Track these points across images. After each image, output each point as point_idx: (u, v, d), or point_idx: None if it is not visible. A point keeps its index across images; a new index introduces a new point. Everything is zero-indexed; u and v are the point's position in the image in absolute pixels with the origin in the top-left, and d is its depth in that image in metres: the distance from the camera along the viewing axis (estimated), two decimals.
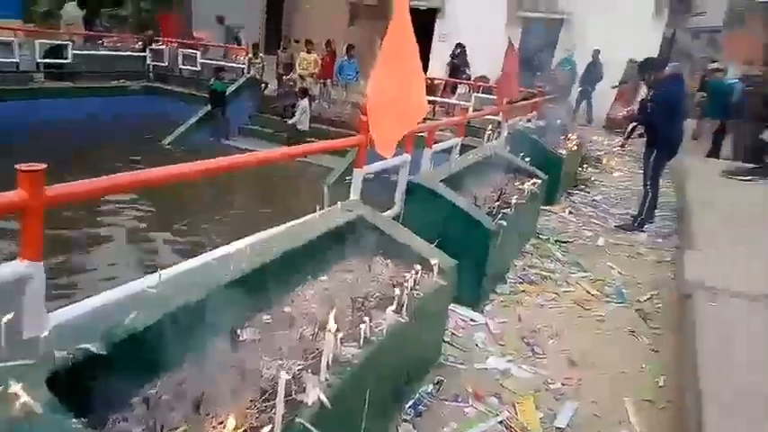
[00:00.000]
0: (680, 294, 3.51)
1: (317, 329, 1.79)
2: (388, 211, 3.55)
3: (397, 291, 1.98)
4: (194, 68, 12.61)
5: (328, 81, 12.37)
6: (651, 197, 5.47)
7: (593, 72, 12.57)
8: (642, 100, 6.92)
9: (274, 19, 18.17)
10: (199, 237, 6.36)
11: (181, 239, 6.35)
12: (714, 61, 17.84)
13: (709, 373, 2.35)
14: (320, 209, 2.63)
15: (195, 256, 2.03)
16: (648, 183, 5.40)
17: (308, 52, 12.17)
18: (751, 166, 6.77)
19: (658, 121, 5.09)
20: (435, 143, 4.19)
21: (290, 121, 10.84)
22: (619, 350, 3.17)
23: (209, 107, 11.01)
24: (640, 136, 7.10)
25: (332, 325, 1.44)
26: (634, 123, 6.61)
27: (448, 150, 4.71)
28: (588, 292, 3.96)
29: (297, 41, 14.53)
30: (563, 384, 2.76)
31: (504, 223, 3.49)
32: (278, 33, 17.26)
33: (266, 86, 12.60)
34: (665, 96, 5.04)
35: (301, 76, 11.96)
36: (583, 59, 12.84)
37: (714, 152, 8.75)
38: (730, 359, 2.51)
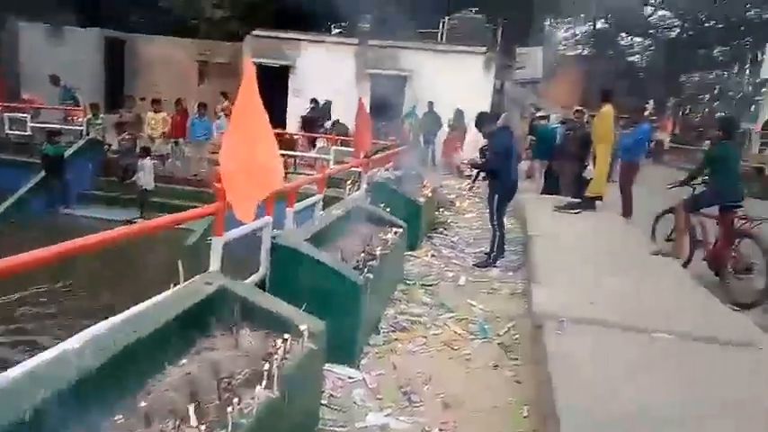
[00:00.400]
0: (533, 325, 3.83)
1: (178, 424, 1.66)
2: (253, 276, 3.45)
3: (266, 364, 1.92)
4: (24, 133, 11.44)
5: (180, 140, 11.96)
6: (499, 235, 5.98)
7: (431, 121, 13.62)
8: (481, 148, 7.62)
9: (116, 77, 17.21)
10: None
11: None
12: (539, 108, 20.30)
13: (564, 399, 2.57)
14: (174, 285, 2.48)
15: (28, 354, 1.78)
16: (495, 222, 5.91)
17: (156, 111, 11.70)
18: (576, 200, 7.71)
19: (495, 169, 5.68)
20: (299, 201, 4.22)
21: (128, 181, 10.29)
22: (487, 386, 3.35)
23: (43, 174, 10.00)
24: (484, 179, 7.79)
25: (193, 421, 1.35)
26: (476, 169, 7.24)
27: (312, 207, 4.74)
28: (455, 332, 4.16)
29: (143, 99, 13.90)
30: (440, 430, 2.83)
31: (372, 275, 3.57)
32: (120, 92, 16.36)
33: (110, 148, 11.80)
34: (498, 146, 5.66)
35: (150, 137, 11.43)
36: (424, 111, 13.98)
37: (546, 189, 9.83)
38: (581, 383, 2.76)
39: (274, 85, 15.23)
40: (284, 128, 14.22)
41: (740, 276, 5.29)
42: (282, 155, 10.60)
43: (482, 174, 7.74)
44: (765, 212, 6.55)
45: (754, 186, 12.81)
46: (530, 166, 10.83)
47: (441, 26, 16.63)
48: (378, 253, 3.94)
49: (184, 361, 2.11)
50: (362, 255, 3.87)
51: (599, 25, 41.99)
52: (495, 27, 16.96)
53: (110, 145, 11.85)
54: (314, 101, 13.44)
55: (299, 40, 15.59)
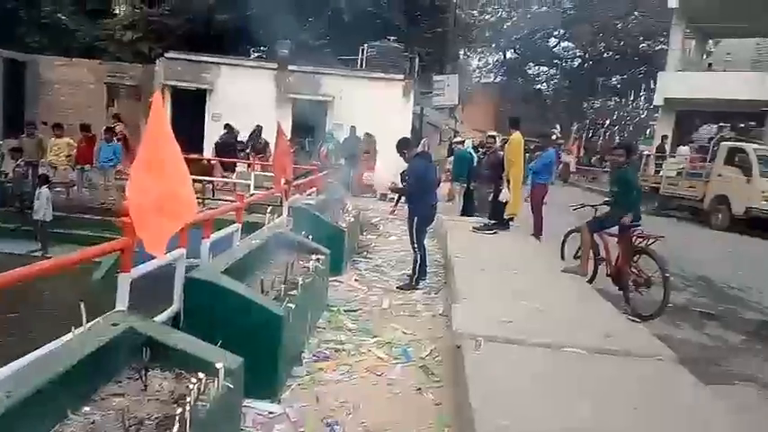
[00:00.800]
0: (453, 346, 3.92)
1: None
2: (165, 312, 3.31)
3: (178, 408, 1.84)
4: None
5: (86, 166, 11.26)
6: (420, 257, 6.10)
7: (353, 146, 13.73)
8: (402, 173, 7.78)
9: (15, 100, 16.04)
10: None
11: None
12: (457, 132, 21.03)
13: (482, 419, 2.64)
14: (78, 327, 2.33)
15: None
16: (416, 245, 6.03)
17: (59, 136, 11.02)
18: (492, 221, 8.04)
19: (415, 193, 5.83)
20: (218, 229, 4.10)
21: (27, 212, 9.59)
22: (409, 410, 3.37)
23: None
24: (405, 202, 7.94)
25: None
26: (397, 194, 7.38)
27: (230, 236, 4.63)
28: (379, 358, 4.16)
29: (45, 124, 13.05)
30: None
31: (293, 305, 3.52)
32: (20, 116, 15.24)
33: (7, 176, 10.94)
34: (418, 172, 5.81)
35: (52, 164, 10.71)
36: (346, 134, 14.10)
37: (465, 211, 10.17)
38: (497, 402, 2.85)
39: (191, 109, 14.85)
40: (202, 153, 13.83)
41: (640, 290, 5.70)
42: (199, 181, 10.43)
43: (403, 197, 7.92)
44: (661, 229, 7.15)
45: (650, 204, 13.95)
46: (449, 189, 11.18)
47: (360, 53, 16.94)
48: (300, 281, 3.90)
49: (87, 409, 1.97)
50: (283, 284, 3.81)
51: (509, 55, 44.49)
52: (413, 56, 17.51)
53: (6, 173, 10.99)
54: (227, 126, 13.15)
55: (217, 63, 15.31)
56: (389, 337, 4.56)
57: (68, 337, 2.24)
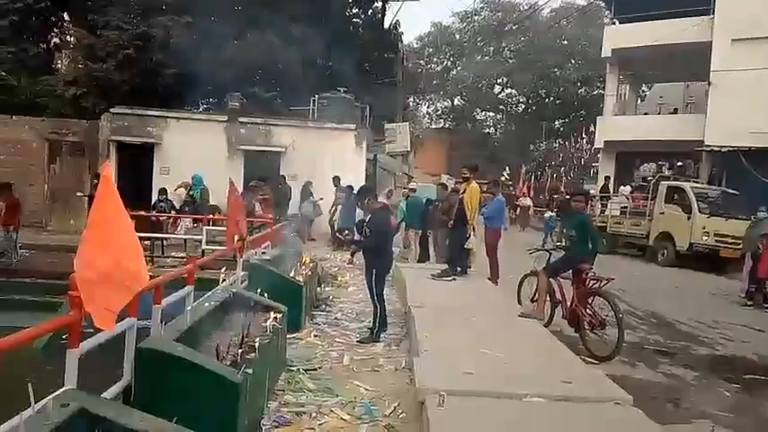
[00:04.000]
0: (416, 401, 3.87)
1: None
2: (116, 386, 3.14)
3: None
4: None
5: (11, 227, 10.68)
6: (380, 309, 6.05)
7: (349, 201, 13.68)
8: (359, 223, 7.80)
9: None
10: None
11: None
12: (411, 178, 21.37)
13: None
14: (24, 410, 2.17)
15: None
16: (375, 297, 5.99)
17: None
18: (449, 267, 8.11)
19: (374, 245, 5.83)
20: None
21: None
22: None
23: None
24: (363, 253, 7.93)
25: None
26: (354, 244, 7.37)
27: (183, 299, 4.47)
28: (342, 419, 4.05)
29: None
30: None
31: (251, 370, 3.40)
32: None
33: None
34: (379, 226, 5.84)
35: None
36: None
37: (421, 258, 10.25)
38: None
39: (138, 163, 14.56)
40: (149, 208, 13.48)
41: (596, 332, 5.83)
42: (147, 238, 10.12)
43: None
44: (611, 266, 7.41)
45: (600, 243, 14.45)
46: (405, 236, 11.25)
47: (312, 104, 17.20)
48: (257, 344, 3.78)
49: None
50: (240, 348, 3.69)
51: (456, 101, 46.18)
52: (364, 105, 17.91)
53: None
54: (162, 191, 12.91)
55: (164, 117, 15.18)
56: (352, 395, 4.45)
57: (15, 421, 2.08)
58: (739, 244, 11.96)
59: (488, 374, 4.12)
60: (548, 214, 17.56)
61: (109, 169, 2.62)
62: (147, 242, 10.38)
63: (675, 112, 22.70)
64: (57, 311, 6.21)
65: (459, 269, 8.04)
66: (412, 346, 5.27)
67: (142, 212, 10.57)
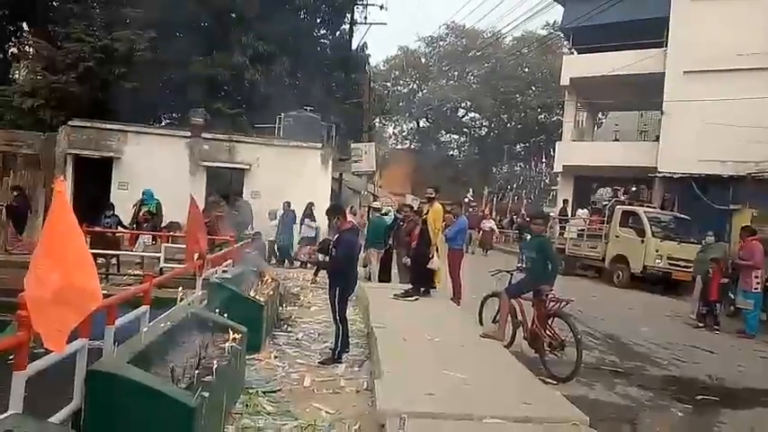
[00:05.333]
0: (377, 424, 3.84)
1: None
2: (65, 410, 3.00)
3: None
4: None
5: None
6: (342, 330, 5.99)
7: (289, 221, 13.53)
8: (323, 242, 7.76)
9: None
10: None
11: None
12: (376, 197, 21.39)
13: None
14: None
15: None
16: (338, 317, 5.94)
17: None
18: (412, 287, 8.14)
19: (340, 265, 5.80)
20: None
21: None
22: None
23: None
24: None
25: None
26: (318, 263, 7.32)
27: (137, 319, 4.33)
28: None
29: None
30: None
31: (207, 393, 3.31)
32: None
33: None
34: (346, 248, 5.81)
35: None
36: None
37: (383, 277, 10.24)
38: None
39: (96, 178, 14.16)
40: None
41: (555, 353, 5.92)
42: (103, 255, 9.80)
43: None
44: (569, 288, 7.55)
45: (559, 265, 14.76)
46: (366, 255, 11.20)
47: (277, 122, 17.13)
48: (214, 366, 3.69)
49: None
50: (196, 370, 3.59)
51: (422, 123, 46.89)
52: (330, 125, 17.96)
53: None
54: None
55: (124, 131, 14.85)
56: (312, 418, 4.37)
57: None
58: (690, 267, 12.43)
59: (449, 396, 4.13)
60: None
61: (63, 184, 2.54)
62: (102, 259, 10.06)
63: (633, 138, 23.63)
64: (3, 331, 5.94)
65: (422, 289, 8.07)
66: (374, 368, 5.24)
67: (98, 228, 10.23)
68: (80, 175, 14.25)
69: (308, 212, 13.53)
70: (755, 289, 9.04)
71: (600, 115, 29.97)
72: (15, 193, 12.38)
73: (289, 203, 13.50)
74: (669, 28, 18.43)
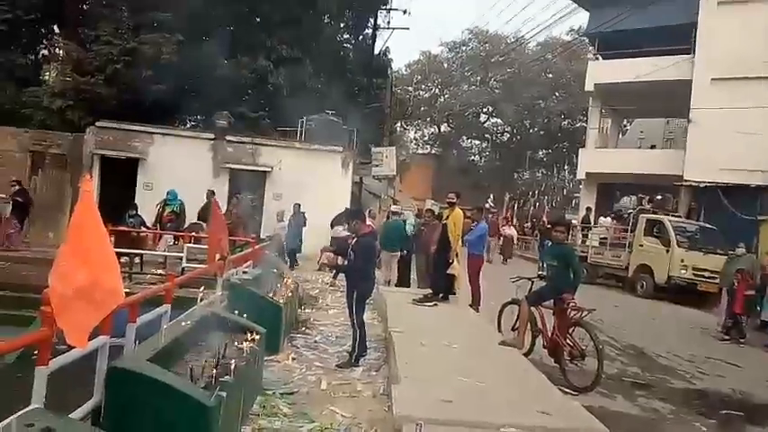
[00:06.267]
0: (393, 430, 3.81)
1: None
2: (85, 406, 3.05)
3: None
4: None
5: None
6: (360, 333, 5.98)
7: (299, 223, 13.40)
8: (338, 241, 7.74)
9: None
10: None
11: None
12: (396, 201, 21.37)
13: None
14: None
15: None
16: (355, 321, 5.94)
17: None
18: (433, 293, 8.09)
19: (358, 269, 5.80)
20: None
21: None
22: None
23: None
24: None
25: None
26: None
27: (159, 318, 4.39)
28: None
29: None
30: None
31: (225, 393, 3.33)
32: None
33: None
34: (365, 251, 5.82)
35: None
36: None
37: (402, 281, 10.19)
38: None
39: (122, 178, 14.43)
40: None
41: (576, 362, 5.83)
42: (127, 254, 9.96)
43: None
44: (591, 297, 7.44)
45: (581, 273, 14.55)
46: (382, 258, 11.14)
47: (299, 126, 17.27)
48: (233, 366, 3.71)
49: None
50: (215, 370, 3.62)
51: (443, 128, 46.77)
52: (351, 129, 18.03)
53: None
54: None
55: (150, 132, 15.12)
56: (328, 421, 4.37)
57: None
58: (716, 278, 12.14)
59: (466, 403, 4.09)
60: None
61: (89, 183, 2.59)
62: (125, 258, 10.22)
63: (654, 147, 23.25)
64: (29, 326, 6.06)
65: (441, 295, 8.02)
66: (391, 373, 5.22)
67: (122, 228, 10.40)
68: (106, 175, 14.54)
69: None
70: None
71: (625, 122, 29.54)
72: (16, 188, 12.34)
73: (299, 205, 13.22)
74: (696, 34, 18.09)
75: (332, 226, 13.02)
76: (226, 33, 18.52)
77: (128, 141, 14.99)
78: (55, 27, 19.76)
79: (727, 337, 9.43)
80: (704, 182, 17.17)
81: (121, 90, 16.48)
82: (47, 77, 20.12)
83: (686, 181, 17.85)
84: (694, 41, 18.16)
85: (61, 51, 19.24)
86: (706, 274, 12.91)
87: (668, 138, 24.65)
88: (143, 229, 11.10)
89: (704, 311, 12.05)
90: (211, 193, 12.21)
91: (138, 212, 11.41)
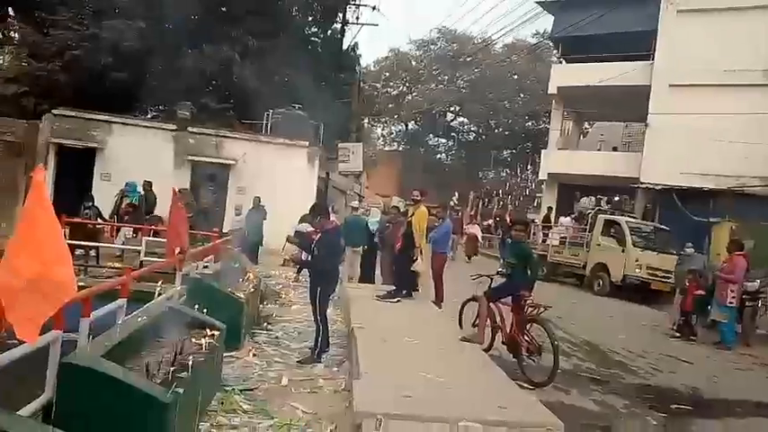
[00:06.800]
0: (353, 425, 3.83)
1: None
2: (35, 402, 2.95)
3: None
4: None
5: None
6: (323, 329, 5.98)
7: (258, 217, 13.15)
8: (300, 234, 7.70)
9: None
10: None
11: None
12: (362, 198, 21.31)
13: None
14: None
15: None
16: (318, 317, 5.93)
17: None
18: (396, 289, 8.13)
19: (322, 264, 5.79)
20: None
21: None
22: None
23: None
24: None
25: None
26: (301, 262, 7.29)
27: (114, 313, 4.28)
28: None
29: None
30: None
31: (182, 389, 3.28)
32: None
33: None
34: (329, 247, 5.80)
35: None
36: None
37: (366, 277, 10.20)
38: None
39: (78, 168, 13.98)
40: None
41: (533, 357, 5.96)
42: (83, 247, 9.67)
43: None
44: (549, 294, 7.60)
45: (539, 271, 14.86)
46: (346, 255, 11.10)
47: (265, 119, 17.04)
48: (190, 362, 3.65)
49: None
50: (172, 366, 3.56)
51: (410, 126, 46.97)
52: (318, 123, 17.90)
53: None
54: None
55: (109, 121, 14.68)
56: (288, 417, 4.35)
57: None
58: (669, 277, 12.59)
59: (427, 398, 4.13)
60: None
61: (41, 173, 2.50)
62: (81, 251, 9.92)
63: (614, 149, 23.92)
64: None
65: (405, 292, 8.07)
66: (353, 368, 5.23)
67: (78, 219, 10.08)
68: (62, 164, 14.06)
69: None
70: (731, 303, 9.18)
71: (586, 125, 30.27)
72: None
73: (259, 198, 12.96)
74: (656, 41, 18.69)
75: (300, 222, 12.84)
76: (190, 22, 18.10)
77: (85, 130, 14.53)
78: (9, 9, 18.92)
79: (678, 335, 9.79)
80: (660, 184, 17.78)
81: (80, 77, 15.92)
82: (0, 62, 19.27)
83: (643, 183, 18.44)
84: (654, 48, 18.75)
85: (16, 35, 18.46)
86: (659, 273, 13.37)
87: (627, 141, 25.40)
88: (99, 220, 10.75)
89: (657, 309, 12.49)
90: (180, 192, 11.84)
91: (95, 203, 11.06)
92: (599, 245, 14.76)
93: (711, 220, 15.08)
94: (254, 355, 5.97)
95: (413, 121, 46.28)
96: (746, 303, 9.66)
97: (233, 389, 4.78)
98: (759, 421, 5.92)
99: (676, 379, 7.07)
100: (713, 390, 6.79)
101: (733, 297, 9.17)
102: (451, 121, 46.13)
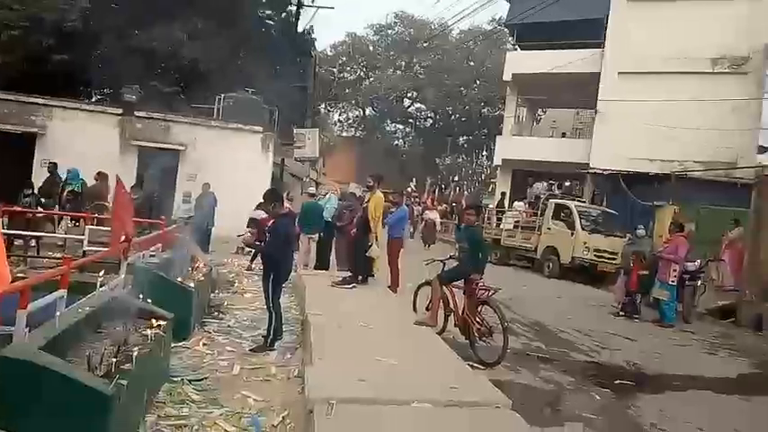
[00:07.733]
0: (305, 411, 3.82)
1: None
2: None
3: None
4: None
5: None
6: (276, 317, 5.92)
7: (209, 204, 12.69)
8: (258, 226, 7.59)
9: None
10: None
11: None
12: (318, 184, 21.12)
13: None
14: None
15: None
16: (271, 304, 5.86)
17: None
18: (351, 275, 8.12)
19: (275, 251, 5.71)
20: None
21: None
22: None
23: None
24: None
25: None
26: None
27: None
28: (225, 431, 3.90)
29: None
30: None
31: (125, 382, 3.18)
32: None
33: None
34: (281, 233, 5.73)
35: None
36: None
37: (321, 264, 10.15)
38: None
39: (17, 154, 13.29)
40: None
41: (484, 339, 6.09)
42: (22, 236, 9.22)
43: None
44: (502, 277, 7.74)
45: (492, 255, 15.15)
46: (301, 241, 10.99)
47: (216, 103, 16.58)
48: (134, 353, 3.55)
49: None
50: (115, 358, 3.44)
51: (368, 112, 46.74)
52: (273, 108, 17.57)
53: None
54: (52, 165, 11.70)
55: (50, 105, 13.98)
56: (239, 406, 4.30)
57: None
58: (615, 259, 13.06)
59: (380, 382, 4.16)
60: None
61: None
62: (20, 241, 9.46)
63: (564, 135, 24.55)
64: None
65: (360, 277, 8.08)
66: (306, 355, 5.21)
67: (16, 208, 9.59)
68: (0, 150, 13.32)
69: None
70: (672, 281, 9.61)
71: (539, 111, 30.90)
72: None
73: (208, 185, 12.46)
74: (607, 29, 19.17)
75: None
76: (137, 1, 17.36)
77: (25, 114, 13.80)
78: None
79: (622, 314, 10.18)
80: (608, 170, 18.37)
81: (20, 59, 15.07)
82: None
83: (592, 169, 19.01)
84: (604, 36, 19.23)
85: None
86: (606, 255, 13.85)
87: (577, 128, 26.10)
88: (39, 209, 10.25)
89: (602, 290, 12.96)
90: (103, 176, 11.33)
91: (35, 191, 10.53)
92: (549, 229, 15.15)
93: (656, 203, 15.71)
94: (205, 344, 5.85)
95: (370, 107, 46.10)
96: (686, 282, 10.14)
97: (182, 379, 4.68)
98: (697, 393, 6.24)
99: (620, 356, 7.36)
100: (654, 365, 7.11)
101: (675, 276, 9.59)
102: (409, 107, 46.20)
